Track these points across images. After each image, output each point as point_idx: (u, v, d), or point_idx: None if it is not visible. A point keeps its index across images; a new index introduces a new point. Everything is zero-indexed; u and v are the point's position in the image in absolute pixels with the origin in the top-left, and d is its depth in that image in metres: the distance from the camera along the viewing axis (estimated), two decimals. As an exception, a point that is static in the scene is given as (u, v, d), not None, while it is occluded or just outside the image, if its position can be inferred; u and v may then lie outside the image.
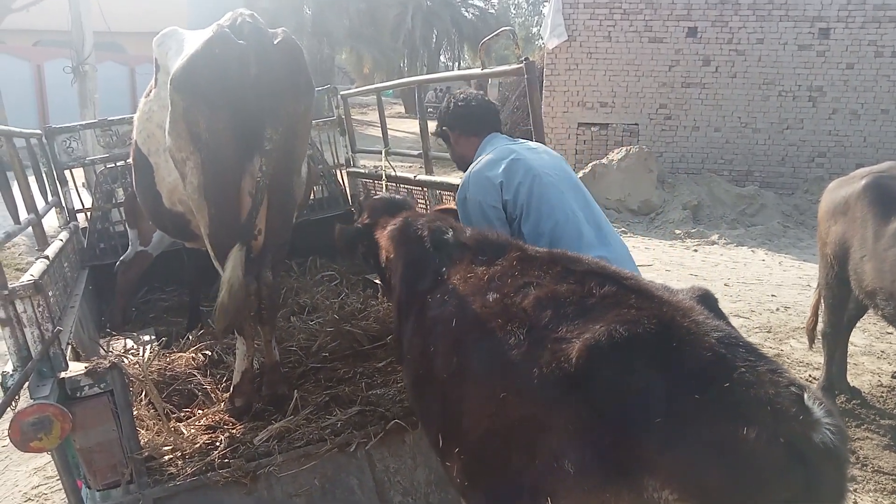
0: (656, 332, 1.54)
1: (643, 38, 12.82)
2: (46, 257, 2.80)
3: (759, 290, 7.78)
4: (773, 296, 7.50)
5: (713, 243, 10.21)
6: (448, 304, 2.10)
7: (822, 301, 4.79)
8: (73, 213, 4.64)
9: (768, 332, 6.30)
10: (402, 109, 31.04)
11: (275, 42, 2.56)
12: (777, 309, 7.01)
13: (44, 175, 4.40)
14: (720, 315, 1.76)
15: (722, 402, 1.40)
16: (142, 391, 2.84)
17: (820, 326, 4.92)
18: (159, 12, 20.84)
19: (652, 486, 1.41)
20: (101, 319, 4.31)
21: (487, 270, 2.09)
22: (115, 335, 3.88)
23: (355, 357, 3.38)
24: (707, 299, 1.80)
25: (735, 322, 6.41)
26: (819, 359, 5.30)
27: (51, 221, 4.61)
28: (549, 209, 2.69)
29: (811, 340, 5.09)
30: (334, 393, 2.99)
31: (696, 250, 9.91)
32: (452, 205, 3.16)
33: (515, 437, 1.68)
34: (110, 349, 3.58)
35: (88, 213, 4.78)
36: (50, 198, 4.35)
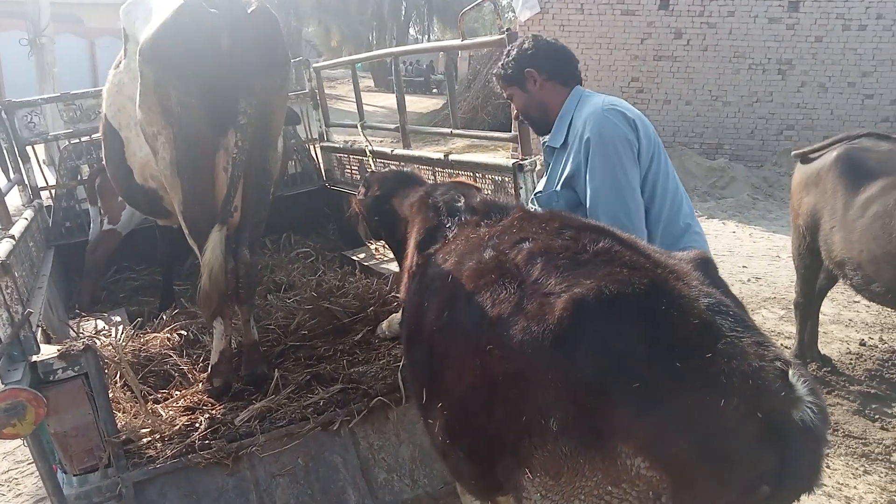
0: (646, 293, 1.50)
1: (615, 10, 12.76)
2: (12, 237, 2.70)
3: (730, 261, 7.88)
4: (744, 267, 7.60)
5: (685, 216, 10.30)
6: (446, 262, 2.09)
7: (795, 271, 4.87)
8: (36, 191, 4.49)
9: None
10: (371, 83, 30.63)
11: (248, 11, 2.47)
12: (748, 280, 7.12)
13: (4, 151, 4.24)
14: (718, 282, 1.73)
15: (702, 372, 1.36)
16: (117, 373, 2.77)
17: (792, 296, 5.00)
18: (119, -18, 20.24)
19: (625, 453, 1.38)
20: (69, 301, 4.19)
21: (489, 230, 2.08)
22: (85, 316, 3.77)
23: (335, 334, 3.33)
24: (706, 265, 1.77)
25: (708, 293, 6.55)
26: (790, 328, 5.40)
27: (14, 200, 4.46)
28: (669, 176, 2.56)
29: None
30: (315, 371, 2.95)
31: (668, 223, 9.99)
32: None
33: (498, 393, 1.64)
34: (81, 331, 3.48)
35: (53, 191, 4.63)
36: (12, 175, 4.19)
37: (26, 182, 4.38)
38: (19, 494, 3.94)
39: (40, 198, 4.50)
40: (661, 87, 12.90)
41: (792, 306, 5.06)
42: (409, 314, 2.26)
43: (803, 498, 1.42)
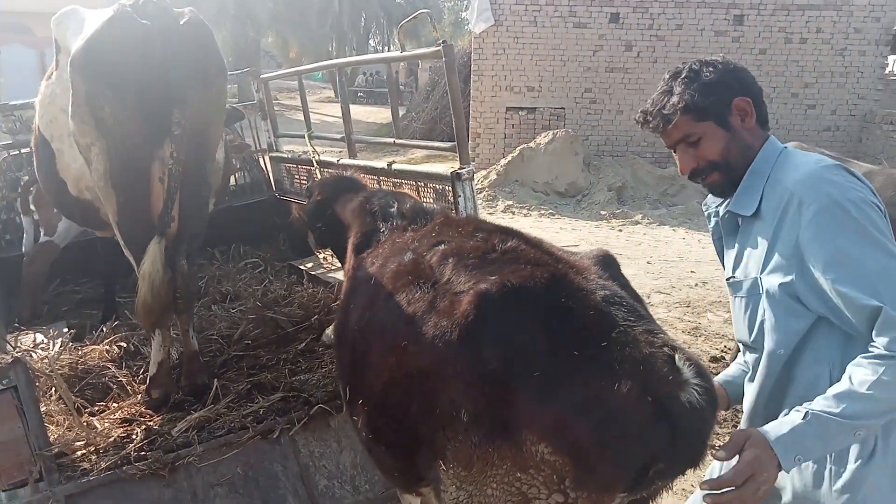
0: (546, 286, 1.57)
1: (568, 23, 13.01)
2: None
3: (679, 266, 8.08)
4: (692, 272, 7.80)
5: (637, 223, 10.52)
6: (373, 264, 2.15)
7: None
8: (-26, 203, 4.39)
9: (687, 306, 6.56)
10: (331, 94, 30.55)
11: (181, 22, 2.47)
12: (696, 284, 7.31)
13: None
14: (617, 276, 1.82)
15: (597, 360, 1.45)
16: (50, 386, 2.73)
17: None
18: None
19: (529, 440, 1.45)
20: (8, 315, 4.09)
21: (413, 234, 2.16)
22: (24, 330, 3.69)
23: (278, 343, 3.33)
24: (607, 261, 1.85)
25: (656, 298, 6.68)
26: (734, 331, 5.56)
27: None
28: None
29: None
30: (257, 380, 2.94)
31: (620, 230, 10.20)
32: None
33: (413, 387, 1.70)
34: (18, 344, 3.41)
35: (-8, 204, 4.53)
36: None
37: (-37, 194, 4.29)
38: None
39: (-22, 210, 4.40)
40: (613, 97, 13.18)
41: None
42: (338, 315, 2.32)
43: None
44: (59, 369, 2.91)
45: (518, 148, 12.32)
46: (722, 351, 5.44)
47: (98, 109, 2.46)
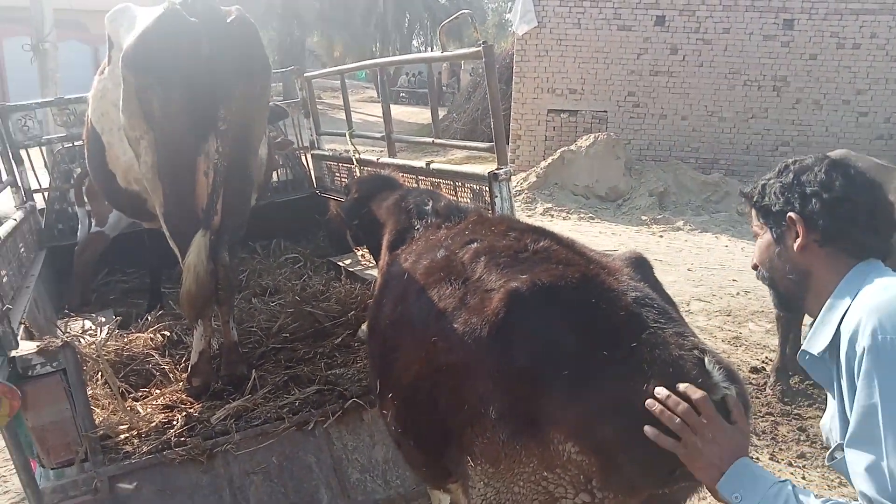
0: (577, 286, 1.58)
1: (612, 25, 12.89)
2: (-3, 237, 2.77)
3: (720, 274, 7.94)
4: (734, 280, 7.66)
5: (678, 229, 10.37)
6: (406, 261, 2.20)
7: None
8: (29, 193, 4.56)
9: (728, 315, 6.45)
10: (374, 93, 30.83)
11: (227, 20, 2.54)
12: (737, 293, 7.18)
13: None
14: (650, 279, 1.80)
15: (626, 361, 1.44)
16: (97, 371, 2.83)
17: (774, 309, 5.06)
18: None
19: (557, 439, 1.45)
20: (59, 301, 4.24)
21: (447, 232, 2.20)
22: (73, 316, 3.83)
23: (315, 337, 3.39)
24: (640, 263, 1.84)
25: (696, 306, 6.59)
26: (776, 341, 5.45)
27: (8, 202, 4.53)
28: None
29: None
30: (293, 373, 3.00)
31: (661, 236, 10.06)
32: None
33: (442, 383, 1.72)
34: (67, 330, 3.54)
35: (46, 194, 4.70)
36: (5, 177, 4.27)
37: (19, 184, 4.45)
38: (6, 491, 3.99)
39: (33, 200, 4.57)
40: (657, 102, 13.01)
41: (775, 319, 5.10)
42: (371, 310, 2.36)
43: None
44: (105, 355, 3.01)
45: (559, 150, 12.25)
46: (763, 362, 5.34)
47: (147, 103, 2.54)
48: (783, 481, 1.38)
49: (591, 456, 1.43)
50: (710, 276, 7.83)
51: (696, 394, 1.38)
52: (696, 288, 7.33)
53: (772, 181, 1.61)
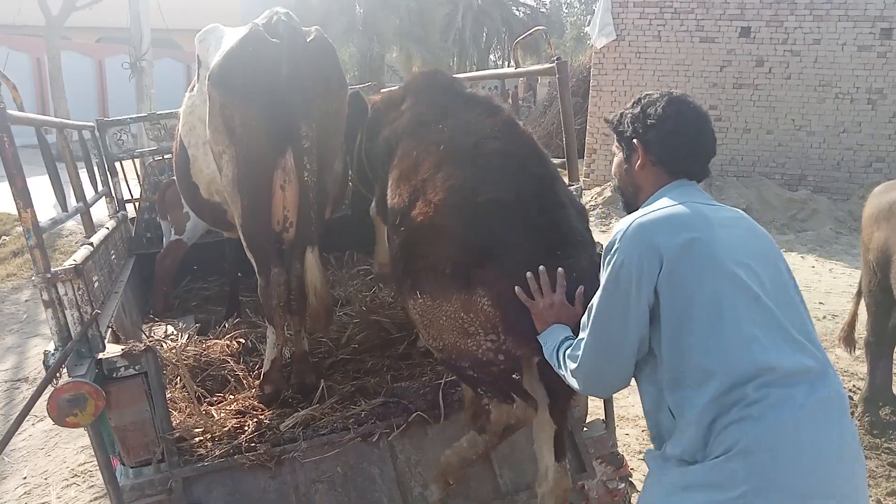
0: (532, 196, 2.27)
1: (694, 37, 12.58)
2: (91, 244, 2.94)
3: (806, 297, 7.48)
4: (820, 303, 7.29)
5: (761, 248, 9.96)
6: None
7: (865, 309, 4.66)
8: (122, 203, 4.82)
9: (812, 340, 6.12)
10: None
11: (307, 41, 2.64)
12: (824, 317, 6.82)
13: (95, 166, 4.59)
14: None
15: (534, 250, 2.14)
16: (176, 375, 2.95)
17: (864, 336, 4.77)
18: (213, 10, 21.52)
19: (478, 294, 2.15)
20: (145, 306, 4.46)
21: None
22: (157, 321, 4.02)
23: (383, 348, 3.43)
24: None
25: (778, 329, 6.29)
26: (864, 369, 5.14)
27: (102, 211, 4.81)
28: (718, 333, 1.67)
29: (849, 346, 4.98)
30: (361, 384, 3.05)
31: (742, 255, 9.68)
32: None
33: (429, 235, 2.32)
34: (151, 334, 3.72)
35: (137, 204, 4.96)
36: (100, 188, 4.53)
37: (113, 195, 4.72)
38: (92, 486, 4.22)
39: (125, 210, 4.83)
40: (740, 115, 12.59)
41: (864, 346, 4.81)
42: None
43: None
44: (184, 360, 3.14)
45: (635, 165, 12.01)
46: (850, 391, 5.04)
47: (230, 119, 2.67)
48: (578, 338, 1.89)
49: (498, 309, 2.13)
50: (795, 298, 7.47)
51: (557, 278, 2.06)
52: (778, 310, 7.01)
53: (628, 111, 2.03)
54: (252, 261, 2.95)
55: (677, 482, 1.69)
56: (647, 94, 2.02)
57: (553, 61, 3.05)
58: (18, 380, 5.91)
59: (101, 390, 2.17)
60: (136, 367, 2.39)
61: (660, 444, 1.82)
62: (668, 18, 12.62)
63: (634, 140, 1.98)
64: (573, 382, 1.91)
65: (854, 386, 5.11)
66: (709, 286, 1.69)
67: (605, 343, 1.80)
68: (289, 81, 2.59)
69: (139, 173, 5.16)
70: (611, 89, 13.13)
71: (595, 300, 1.83)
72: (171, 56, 25.22)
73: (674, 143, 1.93)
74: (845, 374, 5.38)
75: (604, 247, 1.85)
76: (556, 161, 3.54)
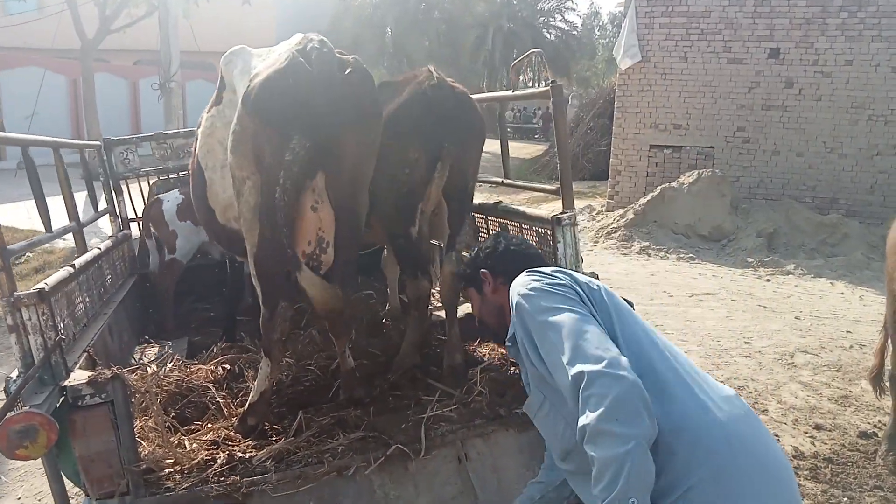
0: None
1: (721, 59, 12.38)
2: (72, 266, 2.90)
3: (833, 325, 7.28)
4: (848, 332, 7.00)
5: (788, 273, 9.66)
6: None
7: (890, 342, 4.41)
8: (126, 222, 4.82)
9: (837, 370, 5.85)
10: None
11: (346, 72, 2.61)
12: (851, 346, 6.53)
13: (102, 185, 4.61)
14: None
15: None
16: (150, 403, 2.88)
17: (889, 368, 4.51)
18: (249, 32, 21.99)
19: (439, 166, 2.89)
20: (143, 326, 4.42)
21: None
22: (151, 343, 3.98)
23: (371, 377, 3.33)
24: None
25: (800, 358, 6.05)
26: (890, 403, 4.87)
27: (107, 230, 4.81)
28: (634, 325, 1.90)
29: (875, 389, 4.65)
30: (341, 416, 2.94)
31: (768, 280, 9.40)
32: None
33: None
34: (142, 357, 3.67)
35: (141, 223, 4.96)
36: (103, 206, 4.54)
37: (117, 213, 4.73)
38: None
39: (129, 229, 4.83)
40: (769, 137, 12.32)
41: (888, 380, 4.55)
42: None
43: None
44: (165, 386, 3.07)
45: (659, 187, 11.80)
46: (875, 426, 4.77)
47: (259, 149, 2.61)
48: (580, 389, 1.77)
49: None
50: (821, 326, 7.19)
51: None
52: (802, 339, 6.74)
53: (467, 266, 2.43)
54: (258, 292, 2.87)
55: None
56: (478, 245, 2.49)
57: (548, 85, 2.95)
58: None
59: (55, 422, 2.10)
60: (102, 396, 2.32)
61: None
62: (695, 40, 12.46)
63: (481, 271, 2.31)
64: (610, 431, 1.56)
65: (879, 421, 4.84)
66: (629, 326, 1.86)
67: (594, 345, 1.69)
68: (326, 113, 2.54)
69: (142, 192, 5.16)
70: (636, 111, 12.97)
71: (549, 332, 1.79)
72: (204, 77, 25.71)
73: (510, 259, 2.28)
74: (870, 407, 5.10)
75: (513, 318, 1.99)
76: (549, 187, 3.43)
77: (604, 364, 1.60)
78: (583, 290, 1.89)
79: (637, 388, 1.58)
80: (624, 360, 1.63)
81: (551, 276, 1.95)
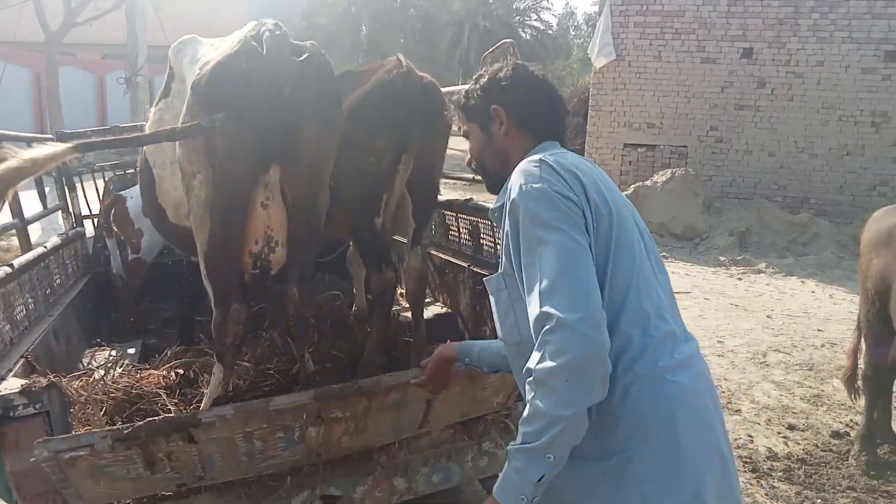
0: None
1: (695, 58, 12.41)
2: (10, 266, 2.71)
3: (804, 323, 7.29)
4: (819, 330, 7.00)
5: (760, 272, 9.69)
6: None
7: (862, 342, 4.38)
8: (79, 219, 4.61)
9: (809, 369, 5.83)
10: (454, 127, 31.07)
11: (302, 58, 2.42)
12: (822, 345, 6.52)
13: (54, 181, 4.39)
14: None
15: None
16: (101, 410, 2.71)
17: (862, 368, 4.48)
18: (218, 28, 21.55)
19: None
20: (95, 329, 4.21)
21: None
22: (103, 346, 3.78)
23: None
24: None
25: (773, 357, 6.01)
26: (863, 402, 4.85)
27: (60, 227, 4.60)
28: (629, 262, 1.69)
29: (850, 391, 4.59)
30: None
31: (740, 278, 9.42)
32: None
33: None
34: (93, 361, 3.48)
35: (95, 220, 4.74)
36: (58, 202, 4.33)
37: (70, 210, 4.51)
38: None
39: (83, 226, 4.61)
40: (741, 136, 12.37)
41: (861, 380, 4.51)
42: None
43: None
44: (112, 393, 2.89)
45: (633, 186, 11.79)
46: (847, 425, 4.74)
47: (210, 139, 2.42)
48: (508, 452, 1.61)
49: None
50: (792, 325, 7.19)
51: None
52: (774, 337, 6.72)
53: (471, 88, 1.98)
54: (209, 291, 2.70)
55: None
56: (485, 69, 2.01)
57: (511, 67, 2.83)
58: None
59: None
60: (37, 406, 2.15)
61: None
62: (669, 39, 12.47)
63: (493, 106, 1.92)
64: (556, 389, 1.50)
65: (851, 420, 4.82)
66: (622, 264, 1.68)
67: (576, 290, 1.52)
68: (282, 100, 2.36)
69: (98, 188, 4.93)
70: (610, 109, 12.96)
71: (538, 248, 1.58)
72: (174, 72, 25.25)
73: (533, 101, 1.93)
74: (842, 406, 5.07)
75: (507, 201, 1.71)
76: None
77: (577, 317, 1.48)
78: (591, 213, 1.65)
79: (599, 354, 1.49)
80: (599, 316, 1.51)
81: (563, 179, 1.65)
